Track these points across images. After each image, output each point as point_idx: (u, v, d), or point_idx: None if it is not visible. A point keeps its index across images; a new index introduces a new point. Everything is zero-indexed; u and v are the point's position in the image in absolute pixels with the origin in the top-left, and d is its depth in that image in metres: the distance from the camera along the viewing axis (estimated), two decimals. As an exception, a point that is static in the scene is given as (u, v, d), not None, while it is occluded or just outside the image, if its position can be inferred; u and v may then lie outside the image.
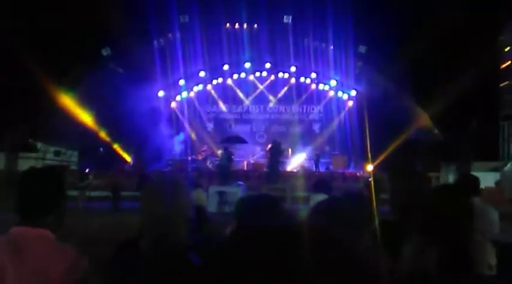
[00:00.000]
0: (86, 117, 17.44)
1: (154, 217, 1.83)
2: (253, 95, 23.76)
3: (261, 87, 23.65)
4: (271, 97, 23.80)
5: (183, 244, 1.78)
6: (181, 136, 21.91)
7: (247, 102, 23.88)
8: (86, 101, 17.46)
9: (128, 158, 20.48)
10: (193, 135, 23.20)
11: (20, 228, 1.94)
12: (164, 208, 1.81)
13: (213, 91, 23.75)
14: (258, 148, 22.35)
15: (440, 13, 16.43)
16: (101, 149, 19.05)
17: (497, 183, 15.96)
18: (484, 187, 15.57)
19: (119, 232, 2.04)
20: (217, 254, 1.34)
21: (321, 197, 3.80)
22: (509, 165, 14.96)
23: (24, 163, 16.35)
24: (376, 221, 3.57)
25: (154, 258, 1.71)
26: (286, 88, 23.59)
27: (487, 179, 16.70)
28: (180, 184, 1.92)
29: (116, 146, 19.93)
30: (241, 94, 23.75)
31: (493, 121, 15.81)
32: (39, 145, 17.32)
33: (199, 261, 1.71)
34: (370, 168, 20.25)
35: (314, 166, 21.40)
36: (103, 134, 19.03)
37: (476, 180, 4.29)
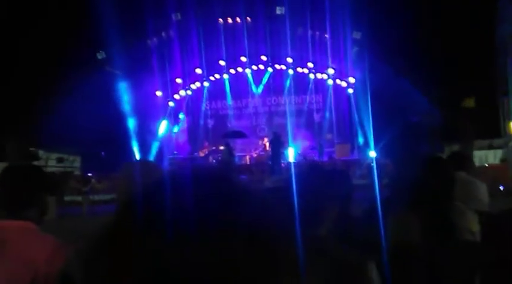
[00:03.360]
0: (86, 122, 17.50)
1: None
2: (251, 89, 23.77)
3: (257, 80, 23.66)
4: (269, 90, 23.80)
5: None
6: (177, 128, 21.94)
7: (245, 96, 23.90)
8: (85, 106, 17.52)
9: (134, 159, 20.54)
10: (194, 133, 23.26)
11: (2, 221, 2.01)
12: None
13: (211, 88, 23.78)
14: (260, 142, 22.37)
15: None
16: (102, 153, 19.10)
17: (502, 160, 15.95)
18: (487, 165, 15.68)
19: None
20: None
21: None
22: (512, 142, 14.96)
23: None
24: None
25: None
26: (284, 80, 23.56)
27: (490, 157, 16.72)
28: (151, 166, 1.96)
29: (118, 148, 20.00)
30: (239, 89, 23.75)
31: (491, 98, 15.80)
32: (41, 153, 17.38)
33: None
34: (373, 154, 20.26)
35: (318, 156, 21.40)
36: (104, 137, 19.09)
37: (464, 156, 4.39)
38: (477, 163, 15.90)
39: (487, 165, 15.28)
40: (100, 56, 17.68)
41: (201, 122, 23.84)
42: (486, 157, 16.54)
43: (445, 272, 2.03)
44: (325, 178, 1.62)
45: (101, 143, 18.98)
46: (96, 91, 17.50)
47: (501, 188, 13.25)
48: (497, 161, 16.05)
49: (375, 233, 2.34)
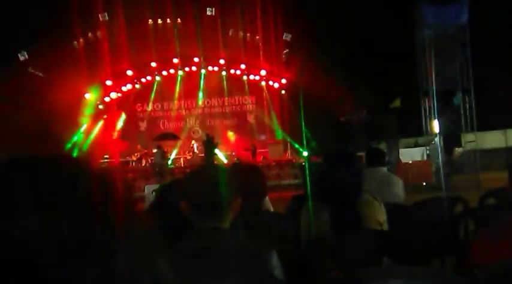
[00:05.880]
0: (7, 127, 16.59)
1: None
2: (184, 91, 23.57)
3: (191, 82, 23.51)
4: (202, 92, 23.73)
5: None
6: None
7: (178, 98, 23.70)
8: (6, 110, 16.63)
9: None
10: (125, 136, 22.73)
11: None
12: None
13: (142, 90, 23.37)
14: (191, 144, 22.26)
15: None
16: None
17: (427, 157, 16.76)
18: (411, 162, 16.43)
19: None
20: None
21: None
22: (436, 139, 15.80)
23: None
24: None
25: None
26: (217, 81, 23.56)
27: (415, 154, 17.52)
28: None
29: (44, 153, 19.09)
30: (171, 91, 23.52)
31: (416, 99, 16.56)
32: None
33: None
34: (305, 153, 20.71)
35: (252, 157, 21.56)
36: (29, 142, 18.23)
37: (382, 153, 4.60)
38: (403, 160, 16.72)
39: (411, 162, 16.00)
40: (22, 56, 16.89)
41: (133, 125, 23.38)
42: (412, 154, 17.31)
43: (352, 258, 2.13)
44: (227, 173, 1.66)
45: (24, 148, 18.13)
46: (18, 95, 16.68)
47: (424, 183, 13.93)
48: (422, 158, 16.85)
49: (289, 226, 2.41)
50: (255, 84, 23.65)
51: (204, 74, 23.42)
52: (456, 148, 17.79)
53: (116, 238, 0.59)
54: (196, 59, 22.58)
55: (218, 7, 19.67)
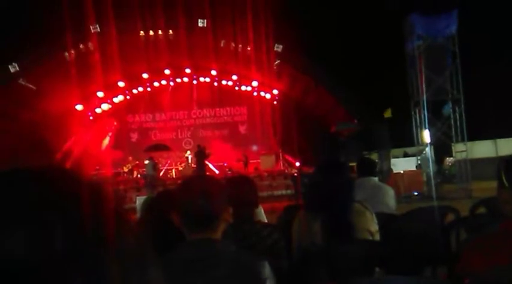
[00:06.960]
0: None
1: None
2: (176, 102, 23.57)
3: (183, 93, 23.51)
4: (194, 103, 23.75)
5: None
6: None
7: (170, 109, 23.68)
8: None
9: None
10: (117, 147, 22.62)
11: None
12: None
13: (134, 101, 23.32)
14: (183, 155, 22.21)
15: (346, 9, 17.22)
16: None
17: (418, 167, 16.82)
18: (402, 172, 16.49)
19: None
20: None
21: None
22: (427, 149, 15.87)
23: None
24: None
25: None
26: (208, 92, 23.59)
27: (406, 164, 17.58)
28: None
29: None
30: (163, 102, 23.50)
31: (406, 108, 16.64)
32: None
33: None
34: (297, 164, 20.76)
35: (244, 168, 21.54)
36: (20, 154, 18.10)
37: (373, 162, 4.63)
38: (395, 170, 16.77)
39: (402, 172, 16.06)
40: (13, 68, 16.80)
41: (124, 136, 23.30)
42: (404, 164, 17.38)
43: (344, 268, 2.13)
44: (218, 184, 1.66)
45: (15, 160, 17.95)
46: (9, 106, 16.58)
47: (415, 193, 13.99)
48: (411, 168, 16.90)
49: (281, 236, 2.41)
50: (246, 95, 23.69)
51: (195, 85, 23.45)
52: (447, 158, 17.91)
53: (107, 248, 0.59)
54: (187, 70, 22.59)
55: (210, 19, 19.71)
